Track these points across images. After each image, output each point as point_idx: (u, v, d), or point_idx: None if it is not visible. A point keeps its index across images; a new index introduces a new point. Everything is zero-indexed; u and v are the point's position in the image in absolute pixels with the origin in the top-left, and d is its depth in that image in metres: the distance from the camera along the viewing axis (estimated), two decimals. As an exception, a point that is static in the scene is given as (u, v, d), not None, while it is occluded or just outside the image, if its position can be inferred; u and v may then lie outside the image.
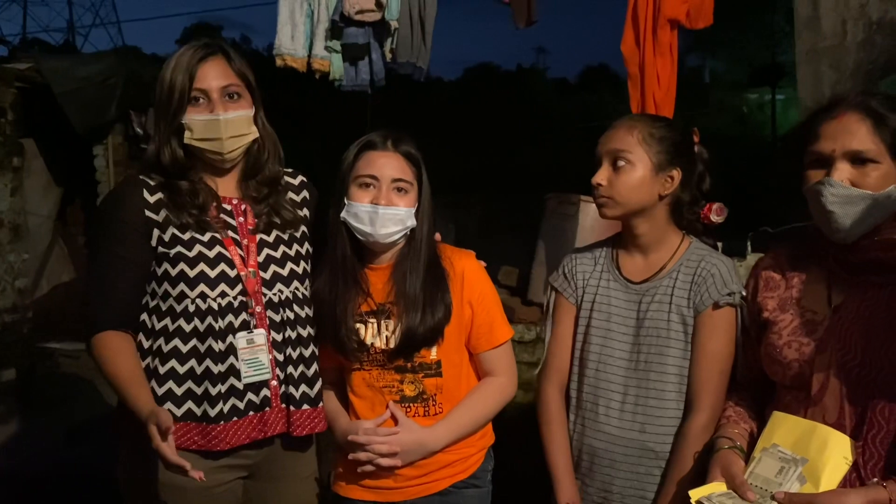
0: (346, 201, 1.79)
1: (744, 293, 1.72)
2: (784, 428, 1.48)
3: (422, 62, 2.94)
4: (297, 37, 2.94)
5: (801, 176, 1.54)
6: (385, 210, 1.75)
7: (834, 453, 1.40)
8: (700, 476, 1.67)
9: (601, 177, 1.78)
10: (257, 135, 1.80)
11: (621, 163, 1.75)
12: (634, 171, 1.75)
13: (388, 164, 1.77)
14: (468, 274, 1.84)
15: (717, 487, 1.50)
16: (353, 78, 2.97)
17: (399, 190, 1.77)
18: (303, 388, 1.81)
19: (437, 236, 1.94)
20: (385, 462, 1.77)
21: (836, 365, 1.45)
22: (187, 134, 1.73)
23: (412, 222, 1.79)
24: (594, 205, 3.51)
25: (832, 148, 1.46)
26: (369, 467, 1.80)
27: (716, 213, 1.83)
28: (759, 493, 1.43)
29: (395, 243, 1.81)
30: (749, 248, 3.30)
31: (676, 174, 1.78)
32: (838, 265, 1.52)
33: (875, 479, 1.37)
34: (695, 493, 1.49)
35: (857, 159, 1.44)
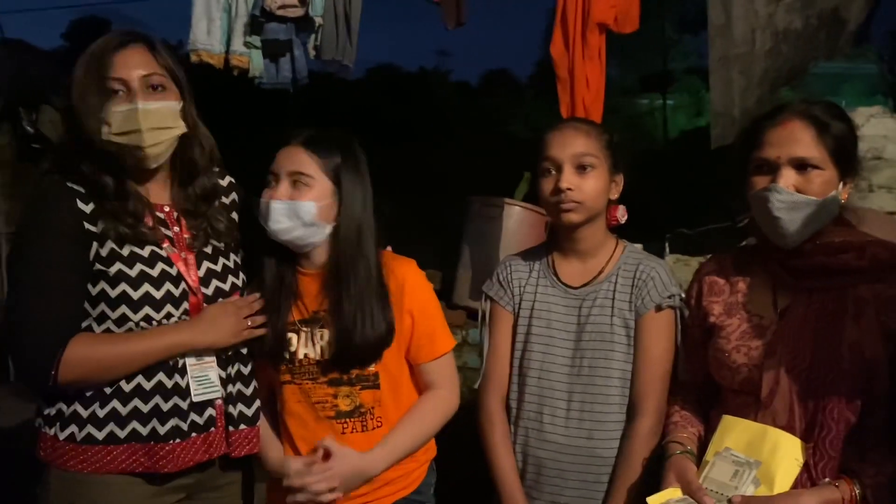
0: None
1: (682, 295, 1.74)
2: (735, 431, 1.50)
3: (347, 60, 2.86)
4: (213, 31, 2.81)
5: (745, 182, 1.57)
6: (276, 203, 1.65)
7: (786, 455, 1.43)
8: (647, 480, 1.68)
9: (570, 181, 1.74)
10: (184, 130, 1.64)
11: (588, 167, 1.75)
12: (599, 176, 1.76)
13: (287, 158, 1.69)
14: (409, 283, 1.76)
15: (673, 493, 1.50)
16: (274, 75, 2.86)
17: (296, 183, 1.67)
18: (240, 406, 1.70)
19: (388, 248, 1.87)
20: (325, 498, 1.68)
21: (786, 368, 1.48)
22: (105, 129, 1.56)
23: (310, 217, 1.66)
24: (517, 207, 3.56)
25: (777, 154, 1.49)
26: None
27: (622, 214, 1.86)
28: (716, 498, 1.45)
29: (304, 241, 1.69)
30: (667, 250, 3.39)
31: (620, 179, 1.82)
32: (783, 270, 1.55)
33: (827, 479, 1.40)
34: (652, 501, 1.49)
35: (802, 166, 1.48)
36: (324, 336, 1.72)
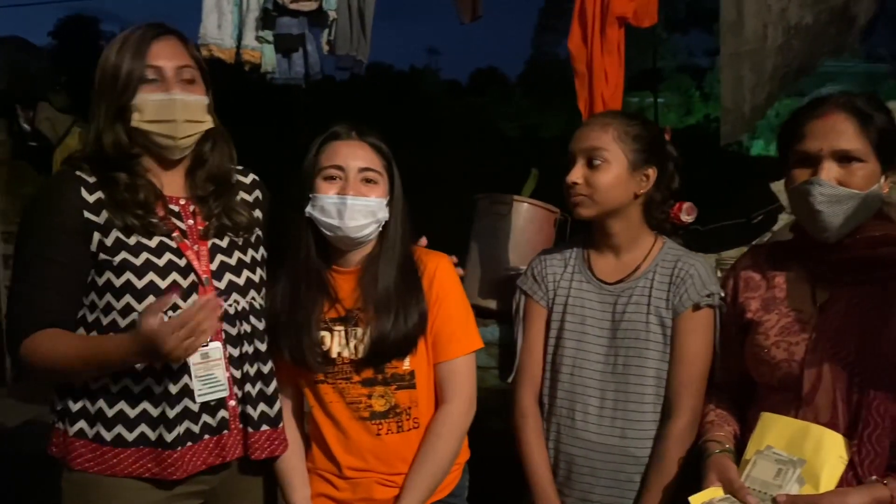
0: (310, 196, 1.67)
1: (722, 294, 1.71)
2: (776, 429, 1.48)
3: (361, 55, 2.82)
4: (224, 26, 2.76)
5: (787, 175, 1.55)
6: (354, 200, 1.63)
7: (830, 453, 1.41)
8: (681, 481, 1.65)
9: (576, 175, 1.73)
10: (212, 125, 1.64)
11: (597, 161, 1.72)
12: (611, 169, 1.72)
13: (354, 154, 1.67)
14: (439, 274, 1.73)
15: (715, 493, 1.48)
16: (287, 70, 2.82)
17: (367, 181, 1.67)
18: (261, 407, 1.66)
19: (423, 241, 1.84)
20: None
21: (828, 363, 1.46)
22: (136, 116, 1.55)
23: (383, 215, 1.67)
24: (526, 204, 3.54)
25: (819, 147, 1.46)
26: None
27: (686, 213, 1.84)
28: (759, 497, 1.42)
29: (367, 239, 1.69)
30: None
31: (652, 173, 1.77)
32: (822, 264, 1.53)
33: (874, 477, 1.38)
34: (695, 500, 1.47)
35: (844, 158, 1.46)
36: (358, 334, 1.69)
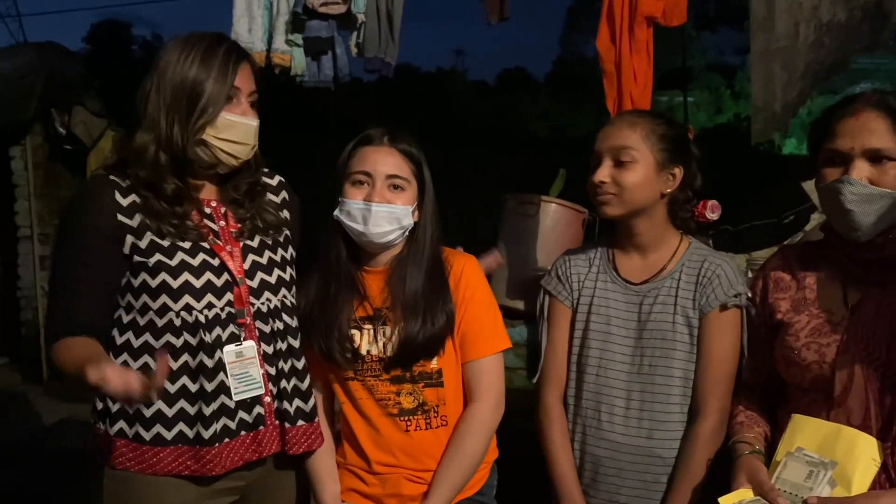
0: (339, 199, 1.69)
1: (749, 294, 1.70)
2: (807, 431, 1.46)
3: (390, 57, 2.84)
4: (254, 30, 2.80)
5: (817, 173, 1.53)
6: (378, 207, 1.65)
7: (863, 455, 1.39)
8: (709, 482, 1.64)
9: (604, 174, 1.72)
10: (257, 143, 1.69)
11: (625, 160, 1.71)
12: (638, 168, 1.71)
13: (382, 160, 1.68)
14: (466, 274, 1.75)
15: (744, 494, 1.47)
16: (316, 73, 2.86)
17: (394, 187, 1.68)
18: (297, 402, 1.69)
19: (459, 249, 1.86)
20: None
21: (860, 365, 1.44)
22: (210, 131, 1.58)
23: (408, 221, 1.69)
24: (554, 204, 3.53)
25: (850, 146, 1.44)
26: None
27: (710, 210, 1.82)
28: (789, 499, 1.41)
29: (392, 244, 1.71)
30: (711, 247, 3.34)
31: (678, 172, 1.76)
32: (853, 264, 1.51)
33: None
34: (725, 501, 1.46)
35: (876, 157, 1.43)
36: (386, 333, 1.71)
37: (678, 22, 2.55)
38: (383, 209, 1.66)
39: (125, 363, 1.58)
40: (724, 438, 1.66)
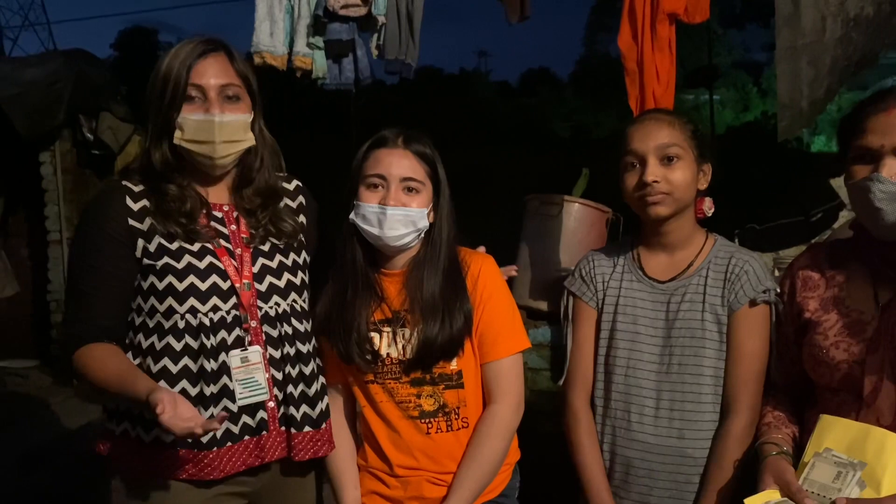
0: (355, 202, 1.69)
1: (778, 290, 1.67)
2: (835, 432, 1.43)
3: (410, 59, 2.84)
4: (276, 33, 2.82)
5: (846, 170, 1.50)
6: (393, 210, 1.64)
7: (893, 456, 1.36)
8: (741, 481, 1.62)
9: (656, 173, 1.68)
10: (253, 143, 1.66)
11: (674, 158, 1.69)
12: (685, 165, 1.70)
13: (396, 163, 1.67)
14: (483, 275, 1.73)
15: (771, 495, 1.44)
16: (337, 76, 2.86)
17: (409, 189, 1.67)
18: (304, 408, 1.68)
19: (482, 249, 1.85)
20: None
21: (890, 364, 1.41)
22: (177, 134, 1.59)
23: (424, 224, 1.68)
24: (577, 204, 3.50)
25: (881, 143, 1.41)
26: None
27: (708, 207, 1.80)
28: (817, 500, 1.39)
29: (408, 246, 1.70)
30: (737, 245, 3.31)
31: (708, 169, 1.76)
32: (884, 262, 1.48)
33: None
34: (750, 502, 1.43)
35: None
36: (405, 335, 1.70)
37: (701, 19, 2.52)
38: (398, 212, 1.65)
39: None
40: (753, 439, 1.64)
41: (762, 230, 3.19)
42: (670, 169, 1.69)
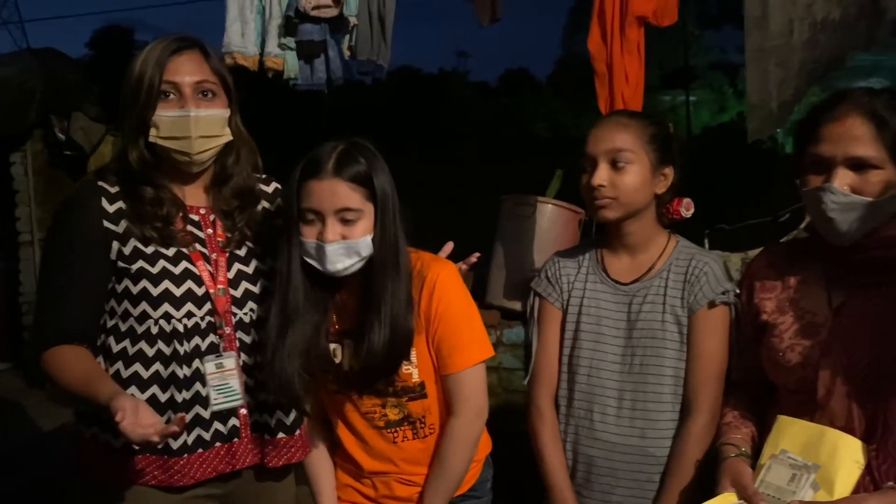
0: (297, 237, 1.60)
1: (737, 291, 1.70)
2: (791, 433, 1.45)
3: (382, 60, 2.85)
4: (247, 34, 2.81)
5: (801, 176, 1.51)
6: (332, 246, 1.55)
7: (846, 458, 1.38)
8: (701, 480, 1.64)
9: (602, 177, 1.70)
10: (230, 138, 1.65)
11: (622, 163, 1.70)
12: (636, 170, 1.71)
13: (329, 196, 1.55)
14: (440, 284, 1.66)
15: (728, 498, 1.46)
16: (309, 77, 2.86)
17: (346, 221, 1.56)
18: (278, 415, 1.68)
19: (449, 247, 1.84)
20: None
21: (843, 367, 1.43)
22: (153, 132, 1.57)
23: (368, 250, 1.58)
24: (550, 205, 3.53)
25: (833, 153, 1.41)
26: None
27: (685, 208, 1.81)
28: (773, 502, 1.40)
29: (358, 269, 1.61)
30: (706, 246, 3.34)
31: (669, 172, 1.76)
32: (838, 266, 1.50)
33: (890, 483, 1.35)
34: None
35: (859, 165, 1.40)
36: (357, 348, 1.65)
37: (669, 22, 2.55)
38: (338, 247, 1.56)
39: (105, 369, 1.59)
40: (714, 438, 1.66)
41: (731, 230, 3.23)
42: (619, 174, 1.70)
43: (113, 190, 1.61)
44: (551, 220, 3.43)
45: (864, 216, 1.41)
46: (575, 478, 1.80)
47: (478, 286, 3.81)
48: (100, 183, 1.62)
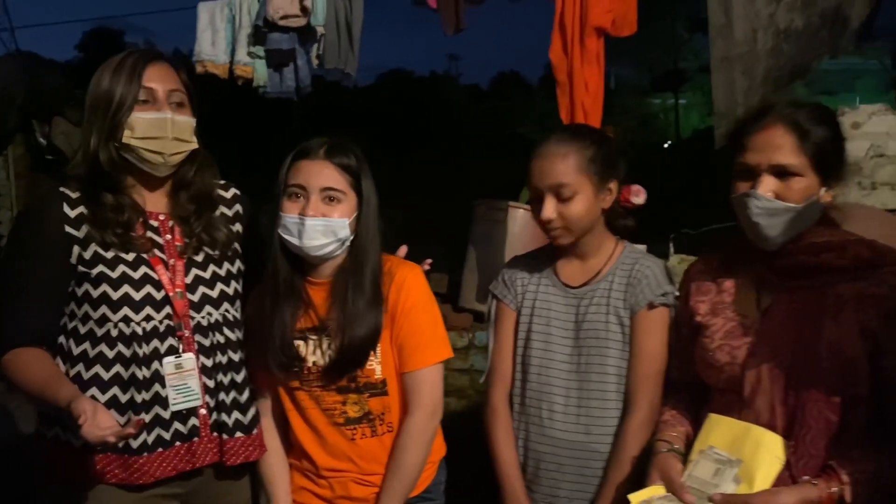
0: (279, 213, 1.72)
1: (677, 293, 1.76)
2: (719, 430, 1.52)
3: (350, 68, 2.90)
4: (217, 42, 2.86)
5: (731, 184, 1.58)
6: (312, 221, 1.66)
7: (767, 453, 1.44)
8: (639, 476, 1.69)
9: (550, 212, 1.76)
10: (197, 146, 1.72)
11: (567, 194, 1.75)
12: (581, 198, 1.76)
13: (317, 174, 1.69)
14: (407, 285, 1.76)
15: (655, 491, 1.53)
16: (278, 84, 2.91)
17: (329, 199, 1.69)
18: (235, 415, 1.74)
19: (403, 250, 1.89)
20: None
21: (767, 367, 1.50)
22: (127, 133, 1.63)
23: (345, 234, 1.70)
24: (522, 210, 3.58)
25: (758, 161, 1.49)
26: None
27: (635, 195, 1.85)
28: (697, 495, 1.47)
29: (331, 255, 1.73)
30: (672, 250, 3.40)
31: (613, 185, 1.82)
32: (766, 269, 1.57)
33: (806, 478, 1.42)
34: (634, 498, 1.52)
35: (782, 173, 1.48)
36: (331, 344, 1.73)
37: (629, 32, 2.61)
38: (318, 222, 1.67)
39: (66, 372, 1.63)
40: (652, 434, 1.72)
41: (696, 234, 3.29)
42: (565, 205, 1.75)
43: (74, 195, 1.66)
44: (523, 224, 3.49)
45: (787, 221, 1.49)
46: (526, 473, 1.86)
47: (452, 289, 3.87)
48: (61, 188, 1.67)
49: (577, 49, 2.54)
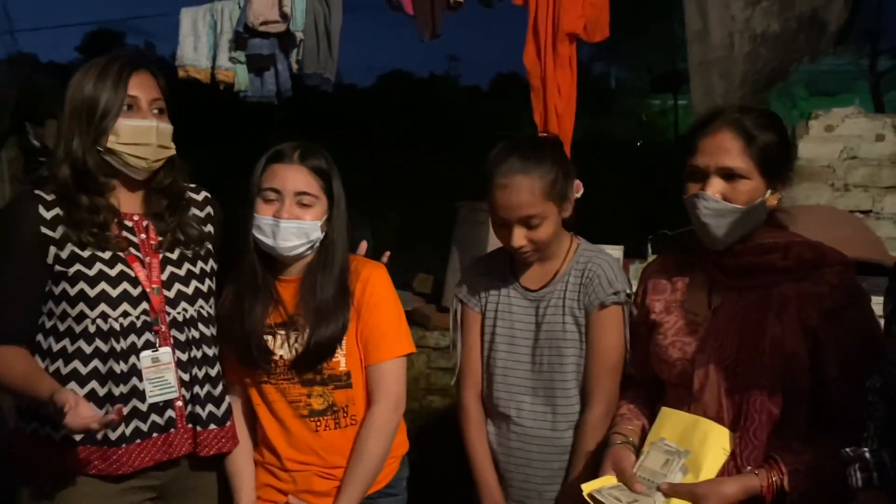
0: (253, 214, 1.78)
1: (629, 291, 1.82)
2: (671, 422, 1.58)
3: (329, 73, 2.95)
4: (199, 48, 2.92)
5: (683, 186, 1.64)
6: (287, 224, 1.74)
7: (714, 445, 1.51)
8: (598, 468, 1.75)
9: (520, 241, 1.79)
10: (174, 152, 1.78)
11: (536, 223, 1.78)
12: (548, 223, 1.80)
13: (291, 178, 1.76)
14: (371, 281, 1.84)
15: (608, 481, 1.59)
16: (259, 89, 2.97)
17: (303, 204, 1.77)
18: (209, 407, 1.80)
19: (363, 247, 1.94)
20: None
21: (714, 363, 1.56)
22: (112, 138, 1.68)
23: (317, 235, 1.78)
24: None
25: (707, 164, 1.56)
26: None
27: (575, 190, 1.88)
28: (647, 485, 1.53)
29: (303, 256, 1.81)
30: (650, 250, 3.44)
31: (573, 197, 1.87)
32: (716, 269, 1.63)
33: (749, 468, 1.48)
34: (587, 487, 1.57)
35: (729, 175, 1.54)
36: (298, 339, 1.80)
37: (601, 38, 2.66)
38: (292, 225, 1.75)
39: (45, 368, 1.69)
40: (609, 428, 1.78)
41: (673, 235, 3.32)
42: (535, 232, 1.79)
43: (49, 197, 1.71)
44: (503, 226, 3.52)
45: (734, 222, 1.55)
46: (498, 468, 1.92)
47: (436, 290, 3.91)
48: (37, 191, 1.72)
49: (550, 54, 2.59)
